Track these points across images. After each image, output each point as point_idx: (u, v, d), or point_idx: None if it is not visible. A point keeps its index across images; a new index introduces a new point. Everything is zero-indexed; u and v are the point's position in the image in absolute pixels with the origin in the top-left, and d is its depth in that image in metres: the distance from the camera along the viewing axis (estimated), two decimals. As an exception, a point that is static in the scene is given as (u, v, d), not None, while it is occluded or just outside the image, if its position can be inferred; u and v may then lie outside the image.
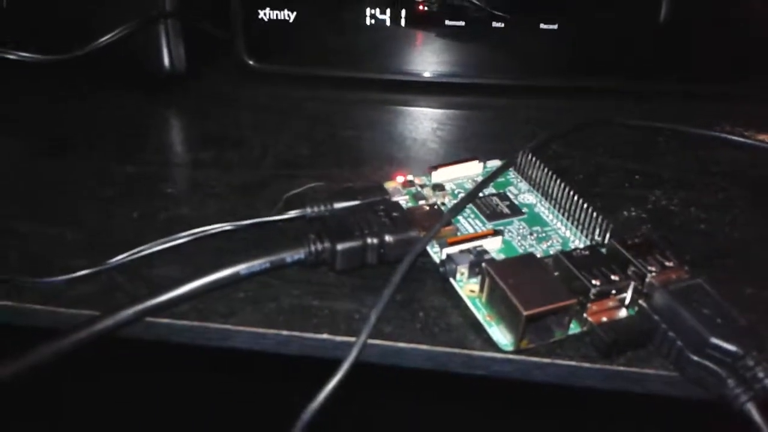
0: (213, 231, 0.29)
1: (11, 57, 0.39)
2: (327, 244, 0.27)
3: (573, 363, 0.24)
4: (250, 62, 0.46)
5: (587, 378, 0.24)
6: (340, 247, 0.27)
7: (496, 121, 0.43)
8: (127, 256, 0.28)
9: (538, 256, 0.28)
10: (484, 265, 0.26)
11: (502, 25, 0.44)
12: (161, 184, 0.34)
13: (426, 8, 0.44)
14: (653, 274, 0.25)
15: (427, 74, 0.46)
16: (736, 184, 0.35)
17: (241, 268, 0.26)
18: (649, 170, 0.37)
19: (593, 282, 0.24)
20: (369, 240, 0.27)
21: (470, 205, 0.31)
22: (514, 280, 0.25)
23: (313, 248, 0.27)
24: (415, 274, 0.28)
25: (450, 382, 0.27)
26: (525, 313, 0.23)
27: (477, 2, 0.43)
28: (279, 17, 0.44)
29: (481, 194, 0.32)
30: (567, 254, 0.26)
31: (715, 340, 0.22)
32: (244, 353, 0.26)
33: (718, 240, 0.31)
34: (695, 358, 0.23)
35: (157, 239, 0.29)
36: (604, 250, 0.28)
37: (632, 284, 0.25)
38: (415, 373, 0.27)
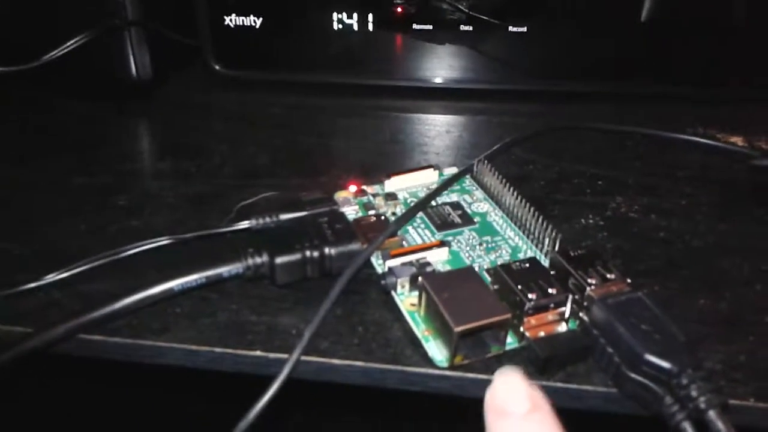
0: (155, 245, 0.29)
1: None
2: (265, 258, 0.27)
3: (509, 379, 0.24)
4: (217, 67, 0.46)
5: (524, 395, 0.24)
6: (278, 260, 0.27)
7: (465, 126, 0.43)
8: (65, 271, 0.28)
9: (486, 267, 0.28)
10: (420, 279, 0.25)
11: (471, 28, 0.43)
12: (115, 196, 0.34)
13: (403, 10, 0.43)
14: (592, 287, 0.24)
15: (395, 79, 0.45)
16: (701, 190, 0.35)
17: (174, 284, 0.26)
18: (613, 176, 0.36)
19: (529, 296, 0.24)
20: (309, 253, 0.27)
21: (421, 215, 0.31)
22: (449, 294, 0.24)
23: (251, 262, 0.27)
24: (358, 286, 0.28)
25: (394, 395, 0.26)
26: (456, 329, 0.23)
27: (456, 4, 0.43)
28: (245, 23, 0.44)
29: (434, 203, 0.32)
30: (506, 267, 0.25)
31: (649, 357, 0.22)
32: (181, 369, 0.26)
33: (676, 249, 0.30)
34: (632, 374, 0.22)
35: (103, 252, 0.29)
36: (546, 262, 0.27)
37: (571, 297, 0.24)
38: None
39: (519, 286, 0.24)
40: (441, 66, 0.45)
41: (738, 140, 0.39)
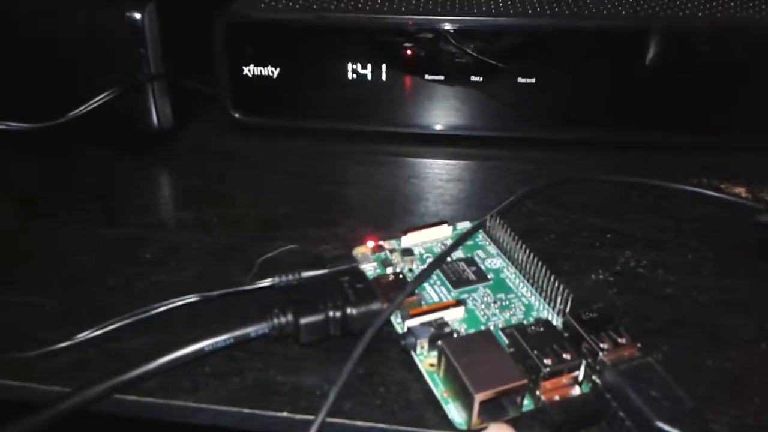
0: (183, 302, 0.30)
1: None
2: (290, 318, 0.28)
3: (526, 442, 0.25)
4: (236, 116, 0.47)
5: (540, 457, 0.25)
6: (303, 321, 0.28)
7: (476, 172, 0.44)
8: (99, 329, 0.29)
9: (500, 326, 0.29)
10: (439, 342, 0.26)
11: (481, 78, 0.45)
12: (140, 249, 0.35)
13: (412, 53, 0.45)
14: (605, 352, 0.25)
15: (407, 126, 0.47)
16: (707, 244, 0.36)
17: (205, 344, 0.27)
18: (622, 228, 0.37)
19: (545, 361, 0.25)
20: (331, 313, 0.28)
21: (437, 271, 0.32)
22: (468, 358, 0.25)
23: (276, 322, 0.28)
24: (379, 344, 0.29)
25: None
26: (476, 395, 0.24)
27: (464, 48, 0.44)
28: (263, 73, 0.46)
29: (449, 259, 0.33)
30: (521, 330, 0.26)
31: (660, 424, 0.23)
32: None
33: (684, 305, 0.32)
34: (643, 439, 0.23)
35: (132, 308, 0.30)
36: (560, 323, 0.28)
37: (584, 362, 0.25)
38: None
39: (535, 351, 0.25)
40: (452, 114, 0.46)
41: (741, 191, 0.40)
